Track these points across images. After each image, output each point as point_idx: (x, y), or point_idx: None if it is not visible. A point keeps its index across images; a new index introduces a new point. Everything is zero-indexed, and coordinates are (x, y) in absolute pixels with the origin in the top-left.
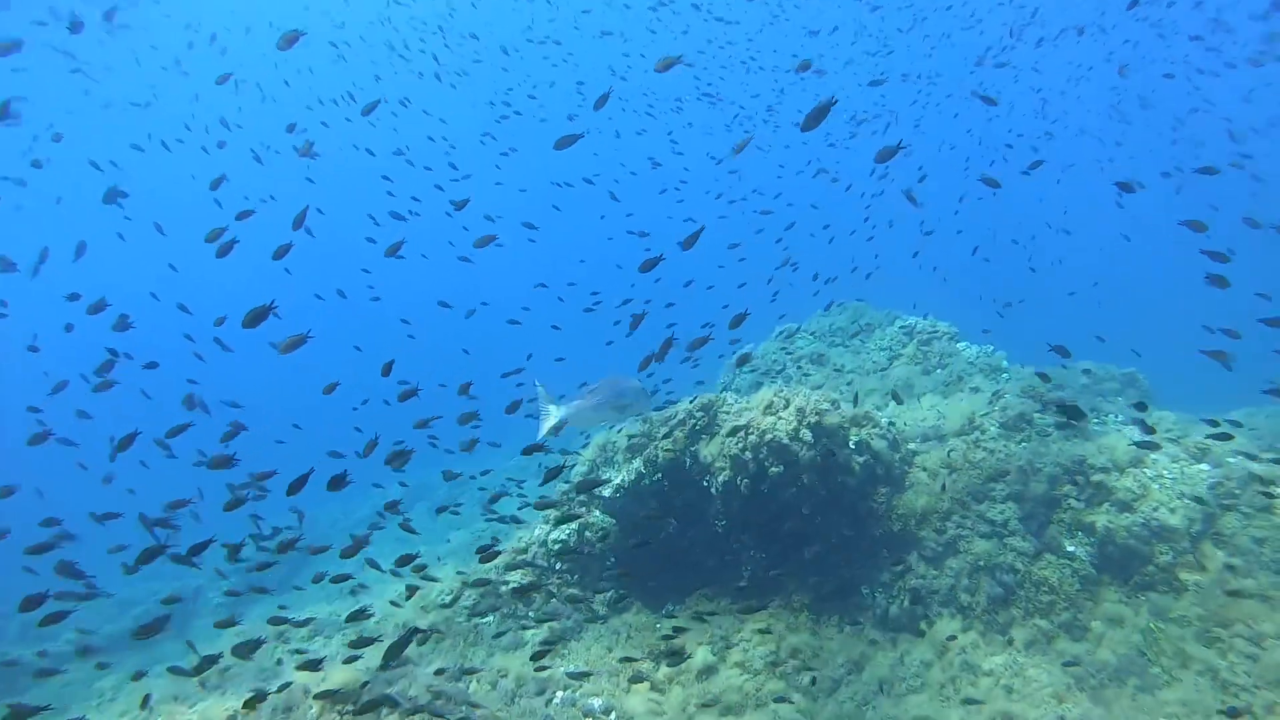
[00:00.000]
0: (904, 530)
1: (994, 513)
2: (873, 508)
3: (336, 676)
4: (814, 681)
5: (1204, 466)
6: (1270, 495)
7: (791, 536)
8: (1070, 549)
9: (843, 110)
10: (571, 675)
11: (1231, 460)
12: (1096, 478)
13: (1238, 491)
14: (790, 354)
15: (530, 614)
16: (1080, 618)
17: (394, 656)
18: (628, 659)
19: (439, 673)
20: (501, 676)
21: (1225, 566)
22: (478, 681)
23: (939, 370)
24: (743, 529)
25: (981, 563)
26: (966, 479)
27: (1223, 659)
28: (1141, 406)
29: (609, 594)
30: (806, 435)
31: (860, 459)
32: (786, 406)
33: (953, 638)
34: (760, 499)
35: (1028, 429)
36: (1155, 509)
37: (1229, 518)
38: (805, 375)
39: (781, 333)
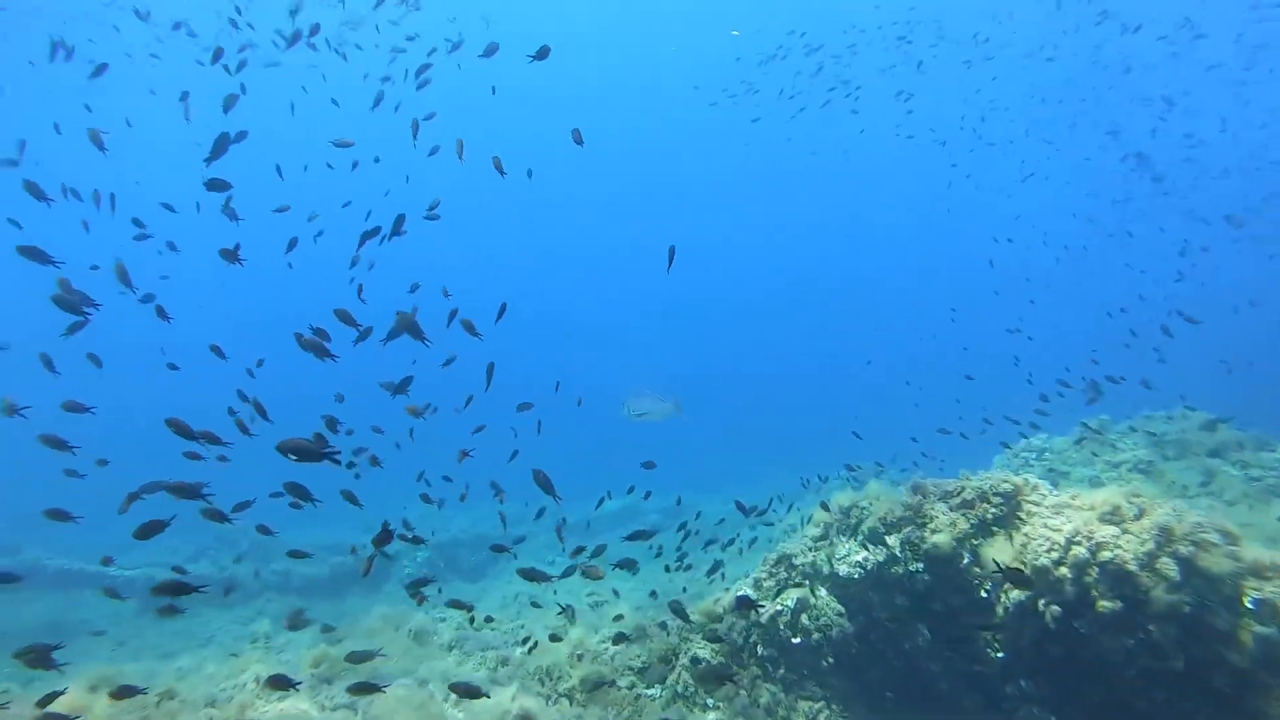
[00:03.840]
0: None
1: None
2: (1265, 709)
3: None
4: None
5: None
6: None
7: (1112, 709)
8: None
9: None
10: None
11: None
12: None
13: None
14: (1106, 458)
15: (710, 701)
16: None
17: None
18: None
19: None
20: None
21: None
22: None
23: None
24: (1030, 672)
25: None
26: None
27: None
28: None
29: (818, 706)
30: (1170, 569)
31: (1263, 630)
32: (1139, 518)
33: None
34: (1070, 640)
35: None
36: None
37: None
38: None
39: (1089, 428)
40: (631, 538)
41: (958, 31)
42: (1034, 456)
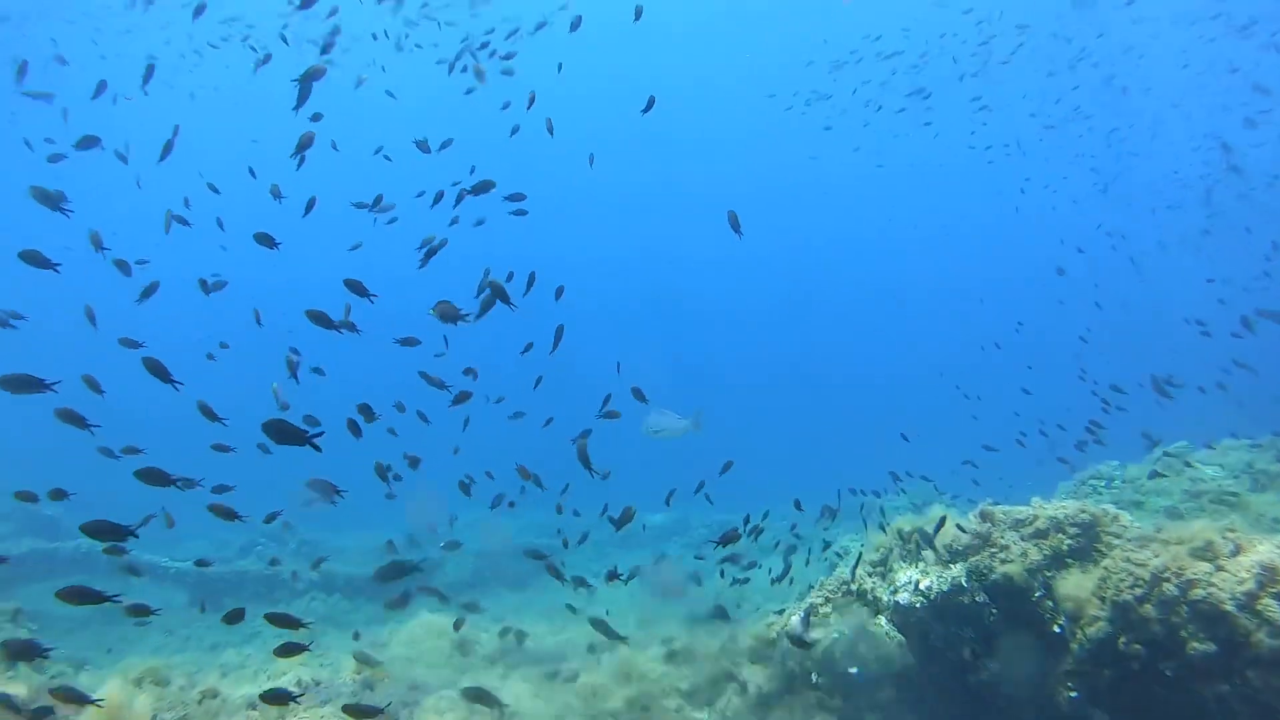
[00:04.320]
0: None
1: None
2: None
3: None
4: None
5: None
6: None
7: None
8: None
9: None
10: None
11: None
12: None
13: None
14: (1185, 488)
15: None
16: None
17: None
18: None
19: None
20: None
21: None
22: None
23: None
24: (1108, 714)
25: None
26: None
27: None
28: None
29: None
30: (1274, 611)
31: None
32: (1236, 554)
33: None
34: (1154, 682)
35: None
36: None
37: None
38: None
39: (1166, 454)
40: (722, 542)
41: (1038, 40)
42: (1103, 484)
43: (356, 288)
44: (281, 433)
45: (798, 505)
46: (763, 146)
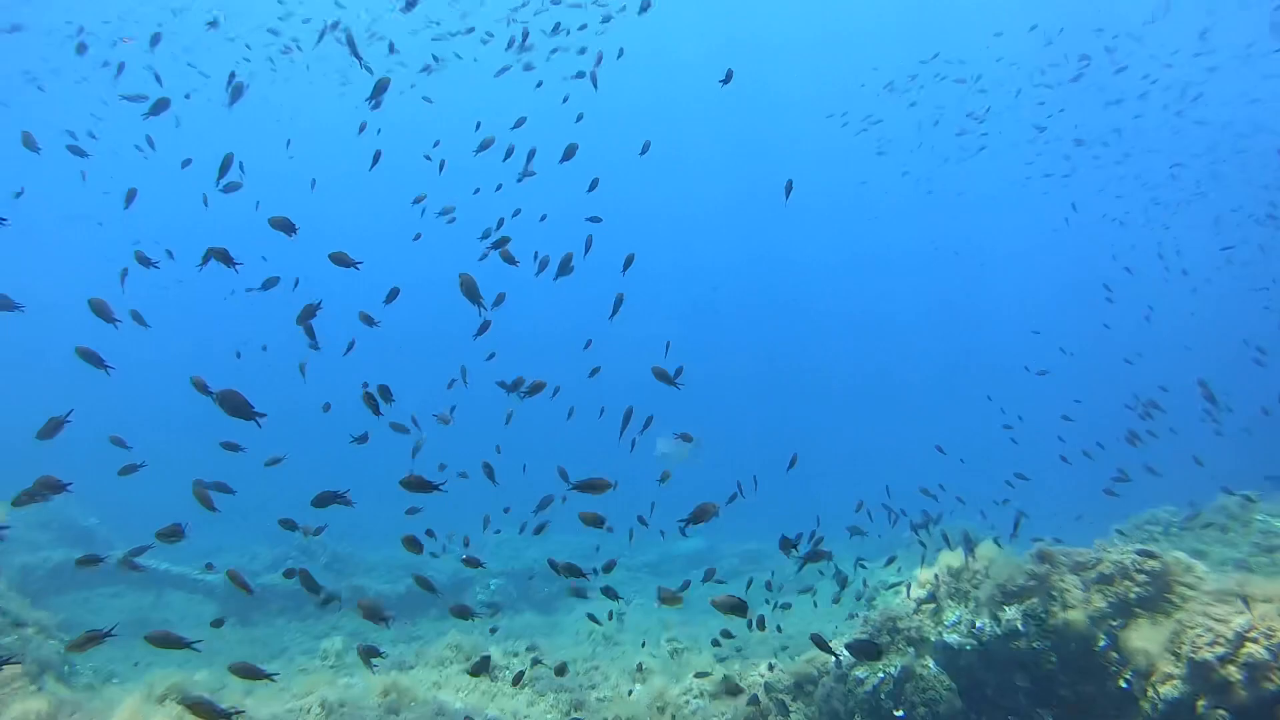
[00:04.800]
0: None
1: None
2: None
3: None
4: None
5: None
6: None
7: None
8: None
9: None
10: None
11: None
12: None
13: None
14: (1254, 540)
15: None
16: None
17: None
18: None
19: None
20: None
21: None
22: None
23: None
24: None
25: None
26: None
27: None
28: None
29: None
30: None
31: None
32: None
33: None
34: None
35: None
36: None
37: None
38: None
39: (1227, 493)
40: (801, 552)
41: (1099, 74)
42: (1160, 530)
43: (341, 259)
44: (234, 408)
45: (860, 507)
46: (817, 163)
